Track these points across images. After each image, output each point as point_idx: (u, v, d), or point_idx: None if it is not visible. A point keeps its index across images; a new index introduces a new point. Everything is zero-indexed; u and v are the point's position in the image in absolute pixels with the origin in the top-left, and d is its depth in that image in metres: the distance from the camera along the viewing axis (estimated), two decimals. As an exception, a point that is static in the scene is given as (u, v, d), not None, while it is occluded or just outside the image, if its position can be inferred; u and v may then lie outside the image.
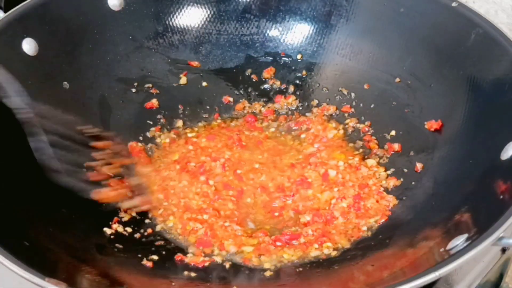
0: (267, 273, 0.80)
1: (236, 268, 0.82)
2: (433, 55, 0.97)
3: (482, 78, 0.88)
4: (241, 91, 1.11)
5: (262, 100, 1.10)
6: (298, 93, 1.10)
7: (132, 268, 0.80)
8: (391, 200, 0.89)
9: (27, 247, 0.72)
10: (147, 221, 0.89)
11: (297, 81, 1.11)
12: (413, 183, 0.91)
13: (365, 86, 1.06)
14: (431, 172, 0.90)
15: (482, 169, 0.80)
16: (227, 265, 0.82)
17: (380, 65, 1.05)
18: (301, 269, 0.81)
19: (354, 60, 1.08)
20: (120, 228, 0.87)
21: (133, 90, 1.06)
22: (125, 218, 0.89)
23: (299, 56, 1.12)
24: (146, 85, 1.08)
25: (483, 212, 0.73)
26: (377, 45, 1.05)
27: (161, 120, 1.05)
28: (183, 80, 1.10)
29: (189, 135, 1.03)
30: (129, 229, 0.87)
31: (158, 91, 1.08)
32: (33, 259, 0.68)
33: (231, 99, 1.09)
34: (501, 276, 0.82)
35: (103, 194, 0.86)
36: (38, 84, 0.92)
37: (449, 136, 0.91)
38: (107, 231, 0.86)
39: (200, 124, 1.06)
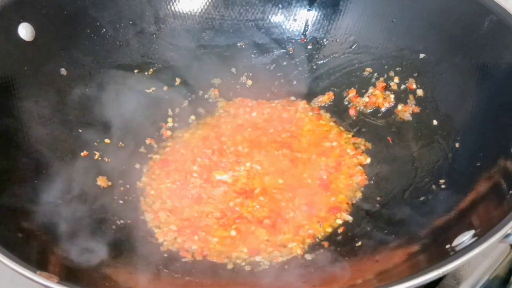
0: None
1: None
2: (445, 43, 0.97)
3: (495, 66, 0.88)
4: (244, 77, 1.11)
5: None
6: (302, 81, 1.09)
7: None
8: None
9: (21, 239, 0.71)
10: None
11: (302, 68, 1.10)
12: (425, 179, 0.90)
13: (375, 75, 1.06)
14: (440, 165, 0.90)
15: (492, 163, 0.79)
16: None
17: (390, 52, 1.05)
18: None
19: (363, 47, 1.08)
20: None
21: (133, 77, 1.05)
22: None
23: (304, 43, 1.12)
24: (147, 72, 1.07)
25: (490, 208, 0.72)
26: (387, 33, 1.05)
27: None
28: None
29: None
30: (129, 221, 0.86)
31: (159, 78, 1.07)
32: (26, 252, 0.67)
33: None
34: (510, 272, 0.81)
35: None
36: (34, 70, 0.91)
37: (458, 127, 0.90)
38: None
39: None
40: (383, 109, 1.03)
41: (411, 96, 1.01)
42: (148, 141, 0.99)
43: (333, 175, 0.95)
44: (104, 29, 1.03)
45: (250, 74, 1.11)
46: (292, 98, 1.08)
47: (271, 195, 0.91)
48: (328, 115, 1.05)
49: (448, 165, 0.88)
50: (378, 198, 0.91)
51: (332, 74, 1.09)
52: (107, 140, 0.97)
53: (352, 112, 1.05)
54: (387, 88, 1.04)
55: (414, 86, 1.01)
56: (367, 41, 1.07)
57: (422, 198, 0.87)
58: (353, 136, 1.01)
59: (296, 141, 1.00)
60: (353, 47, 1.09)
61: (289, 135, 1.01)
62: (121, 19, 1.04)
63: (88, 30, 1.01)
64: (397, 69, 1.04)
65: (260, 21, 1.13)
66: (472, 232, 0.68)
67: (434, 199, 0.85)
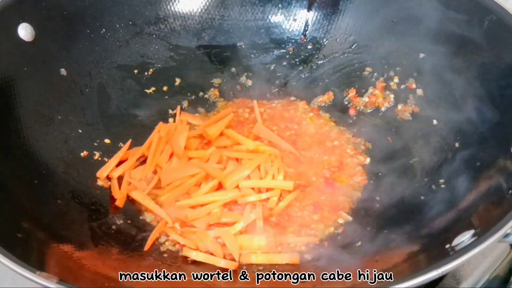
0: None
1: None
2: (445, 43, 0.96)
3: (495, 66, 0.88)
4: (244, 77, 1.11)
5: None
6: (302, 81, 1.10)
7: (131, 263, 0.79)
8: None
9: (21, 240, 0.71)
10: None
11: (302, 68, 1.11)
12: (425, 179, 0.90)
13: (375, 74, 1.06)
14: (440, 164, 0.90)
15: (491, 162, 0.79)
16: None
17: (390, 52, 1.05)
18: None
19: (363, 47, 1.08)
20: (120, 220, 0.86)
21: (133, 77, 1.05)
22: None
23: (304, 43, 1.12)
24: (147, 72, 1.07)
25: (490, 208, 0.72)
26: (387, 33, 1.05)
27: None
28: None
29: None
30: (129, 221, 0.86)
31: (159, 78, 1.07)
32: (26, 252, 0.67)
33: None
34: (510, 272, 0.81)
35: None
36: (34, 70, 0.91)
37: (458, 127, 0.90)
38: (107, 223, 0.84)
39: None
40: (383, 109, 1.03)
41: (411, 96, 1.01)
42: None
43: (336, 173, 0.95)
44: (104, 29, 1.03)
45: (250, 74, 1.11)
46: (292, 98, 1.08)
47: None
48: (327, 115, 1.05)
49: (448, 165, 0.88)
50: (378, 198, 0.90)
51: (332, 74, 1.09)
52: (107, 140, 0.97)
53: (352, 112, 1.05)
54: (387, 88, 1.04)
55: (414, 86, 1.01)
56: (367, 41, 1.08)
57: (422, 198, 0.86)
58: (353, 136, 1.01)
59: (300, 139, 1.00)
60: (353, 47, 1.09)
61: (293, 132, 1.02)
62: (121, 19, 1.05)
63: (88, 30, 1.01)
64: (397, 68, 1.04)
65: (260, 21, 1.13)
66: (472, 231, 0.68)
67: (434, 199, 0.85)
